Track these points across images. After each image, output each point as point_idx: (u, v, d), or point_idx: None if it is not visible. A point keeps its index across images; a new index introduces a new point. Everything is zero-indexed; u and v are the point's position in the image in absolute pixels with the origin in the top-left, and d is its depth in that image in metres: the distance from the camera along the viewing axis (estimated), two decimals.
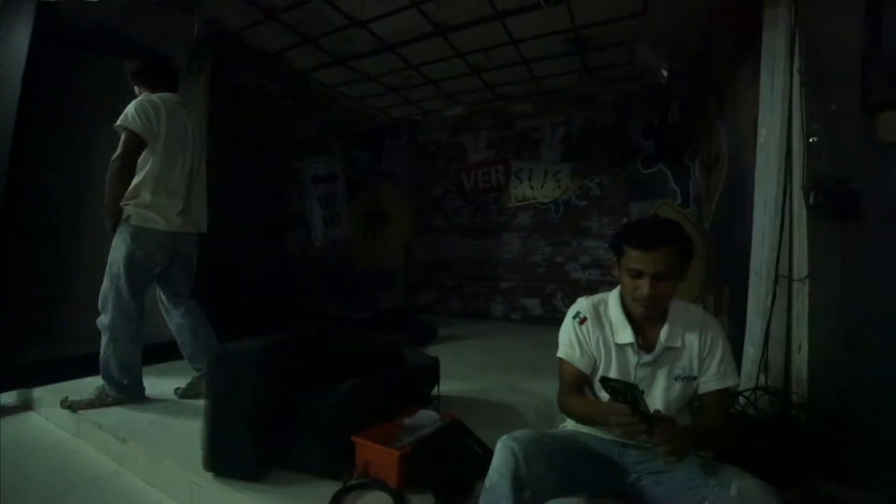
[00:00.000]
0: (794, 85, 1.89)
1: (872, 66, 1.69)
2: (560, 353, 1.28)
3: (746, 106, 2.39)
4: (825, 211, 1.72)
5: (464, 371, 3.03)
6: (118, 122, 2.10)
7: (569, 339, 1.26)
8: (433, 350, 3.60)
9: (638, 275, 1.15)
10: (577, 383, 1.25)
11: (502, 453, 1.07)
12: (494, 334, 4.66)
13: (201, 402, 1.62)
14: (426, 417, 1.65)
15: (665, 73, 4.20)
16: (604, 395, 1.24)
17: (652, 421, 0.97)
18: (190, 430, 1.75)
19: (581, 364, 1.24)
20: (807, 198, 1.76)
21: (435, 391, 2.12)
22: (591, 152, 5.25)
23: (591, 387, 1.27)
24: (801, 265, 1.81)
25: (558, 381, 1.30)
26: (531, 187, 5.56)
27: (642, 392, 1.00)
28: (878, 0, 1.69)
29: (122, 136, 2.09)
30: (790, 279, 1.86)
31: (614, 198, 5.10)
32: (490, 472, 1.07)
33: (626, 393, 0.98)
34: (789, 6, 1.90)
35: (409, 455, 1.43)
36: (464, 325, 5.05)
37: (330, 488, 1.43)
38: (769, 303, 1.89)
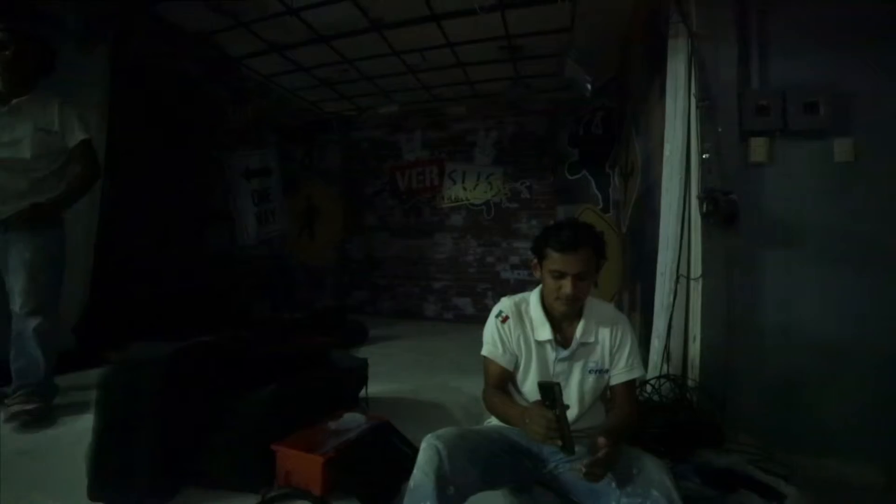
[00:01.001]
0: (692, 108, 2.12)
1: (744, 100, 2.03)
2: (484, 352, 1.32)
3: (656, 122, 2.64)
4: (714, 218, 1.97)
5: (394, 371, 3.02)
6: None
7: (492, 338, 1.31)
8: (364, 351, 3.54)
9: (560, 276, 1.22)
10: (500, 380, 1.30)
11: (426, 452, 1.08)
12: (426, 334, 4.69)
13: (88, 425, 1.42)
14: (353, 420, 1.62)
15: (589, 86, 4.50)
16: (526, 390, 1.31)
17: (566, 435, 0.99)
18: (72, 456, 1.50)
19: (504, 361, 1.30)
20: (700, 206, 1.99)
21: (363, 393, 2.08)
22: (521, 157, 5.48)
23: (514, 383, 1.32)
24: (696, 266, 2.04)
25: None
26: (464, 189, 5.68)
27: (563, 403, 1.03)
28: (746, 49, 2.07)
29: None
30: (688, 278, 2.09)
31: (543, 201, 5.37)
32: (414, 471, 1.08)
33: (546, 396, 1.02)
34: (688, 39, 2.14)
35: (333, 460, 1.39)
36: (396, 325, 5.02)
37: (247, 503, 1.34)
38: (671, 299, 2.11)
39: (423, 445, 1.10)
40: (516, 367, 1.31)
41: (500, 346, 1.30)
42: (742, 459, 1.53)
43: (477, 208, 5.61)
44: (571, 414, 1.26)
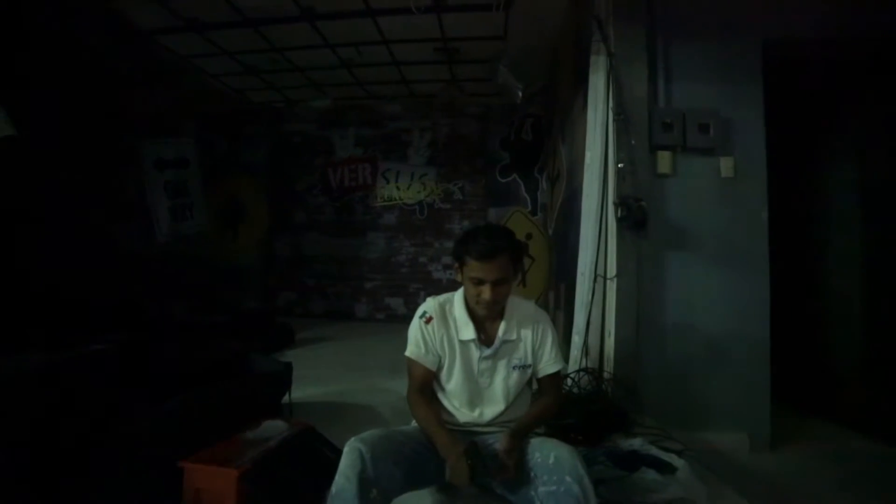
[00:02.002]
0: (610, 120, 2.30)
1: (653, 117, 2.26)
2: (407, 353, 1.32)
3: (579, 132, 2.82)
4: (627, 223, 2.16)
5: (323, 374, 2.92)
6: None
7: (415, 339, 1.32)
8: (291, 354, 3.37)
9: (479, 282, 1.25)
10: (424, 381, 1.30)
11: (349, 456, 1.05)
12: (357, 335, 4.59)
13: None
14: (273, 428, 1.53)
15: (520, 94, 4.70)
16: (451, 389, 1.32)
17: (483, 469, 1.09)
18: None
19: (427, 362, 1.30)
20: (616, 212, 2.17)
21: (286, 399, 1.98)
22: (455, 159, 5.59)
23: (439, 381, 1.34)
24: (612, 266, 2.22)
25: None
26: (398, 188, 5.66)
27: (483, 465, 1.10)
28: (655, 71, 2.33)
29: None
30: (605, 278, 2.26)
31: (475, 202, 5.52)
32: (336, 476, 1.05)
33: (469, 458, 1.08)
34: (607, 58, 2.32)
35: (249, 473, 1.30)
36: (326, 327, 4.86)
37: None
38: (590, 298, 2.27)
39: (346, 449, 1.08)
40: (440, 366, 1.32)
41: (423, 346, 1.31)
42: (645, 441, 1.68)
43: (410, 208, 5.61)
44: (497, 409, 1.32)
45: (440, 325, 1.32)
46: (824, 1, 2.30)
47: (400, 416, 2.17)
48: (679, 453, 1.61)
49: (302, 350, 3.69)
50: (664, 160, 2.27)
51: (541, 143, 5.20)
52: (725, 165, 2.28)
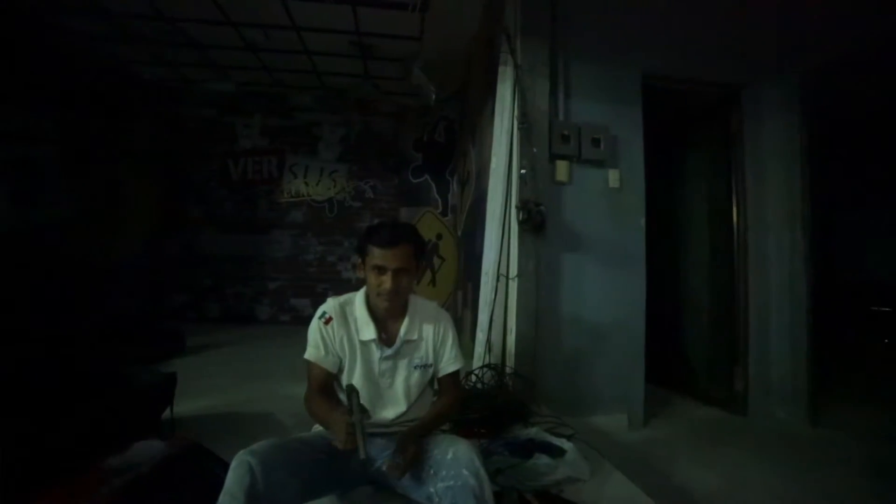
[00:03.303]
0: (515, 128, 2.44)
1: (553, 128, 2.46)
2: (307, 355, 1.27)
3: (487, 137, 2.95)
4: (527, 226, 2.31)
5: (218, 383, 2.67)
6: None
7: (314, 340, 1.27)
8: (180, 363, 3.03)
9: (381, 271, 1.24)
10: (323, 384, 1.26)
11: (236, 472, 0.98)
12: (258, 339, 4.29)
13: None
14: (145, 451, 1.33)
15: (433, 96, 4.77)
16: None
17: (360, 441, 0.98)
18: None
19: (327, 364, 1.26)
20: (518, 215, 2.31)
21: (167, 414, 1.76)
22: (367, 156, 5.48)
23: (340, 384, 1.30)
24: (513, 266, 2.35)
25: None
26: (306, 184, 5.40)
27: (361, 407, 1.05)
28: (556, 86, 2.51)
29: None
30: (507, 277, 2.38)
31: (386, 202, 5.47)
32: (221, 496, 0.96)
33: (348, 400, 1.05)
34: (513, 69, 2.45)
35: None
36: (223, 331, 4.45)
37: None
38: (493, 296, 2.38)
39: (233, 465, 1.00)
40: (341, 368, 1.29)
41: (323, 348, 1.27)
42: (540, 429, 1.82)
43: (319, 205, 5.38)
44: (398, 409, 1.32)
45: (340, 326, 1.29)
46: (684, 47, 2.72)
47: (303, 423, 2.06)
48: (569, 437, 1.76)
49: (194, 358, 3.34)
50: (562, 169, 2.47)
51: (453, 145, 5.34)
52: (613, 177, 2.56)
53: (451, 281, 5.09)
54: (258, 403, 2.36)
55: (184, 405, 1.89)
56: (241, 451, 1.02)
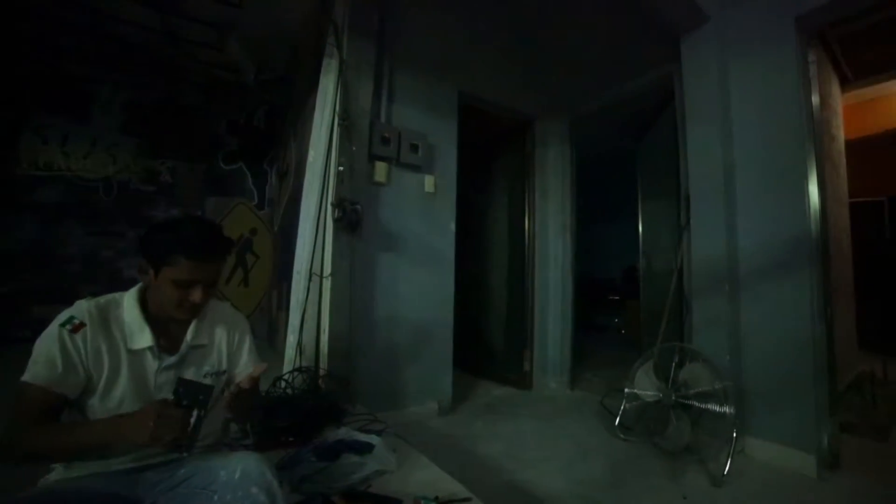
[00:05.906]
0: (335, 124, 2.38)
1: (373, 129, 2.50)
2: (27, 376, 0.95)
3: (308, 130, 2.79)
4: (342, 224, 2.28)
5: None
6: None
7: (48, 355, 0.96)
8: None
9: (190, 284, 1.05)
10: (45, 413, 0.96)
11: None
12: None
13: None
14: None
15: (252, 76, 4.29)
16: (105, 416, 1.03)
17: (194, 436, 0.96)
18: None
19: (63, 386, 0.97)
20: (333, 212, 2.25)
21: None
22: (166, 131, 4.54)
23: (83, 410, 1.02)
24: (327, 265, 2.28)
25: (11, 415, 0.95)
26: (65, 154, 4.15)
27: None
28: (379, 89, 2.58)
29: None
30: (321, 276, 2.30)
31: (189, 188, 4.63)
32: None
33: (188, 396, 0.96)
34: (339, 63, 2.39)
35: None
36: None
37: None
38: (305, 296, 2.27)
39: None
40: (87, 389, 1.01)
41: (61, 365, 0.96)
42: (350, 429, 1.81)
43: (89, 184, 4.21)
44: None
45: (98, 334, 1.01)
46: (493, 75, 3.13)
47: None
48: (380, 432, 1.80)
49: None
50: (381, 170, 2.53)
51: (274, 134, 4.89)
52: (429, 182, 2.75)
53: (265, 280, 4.65)
54: None
55: None
56: None
